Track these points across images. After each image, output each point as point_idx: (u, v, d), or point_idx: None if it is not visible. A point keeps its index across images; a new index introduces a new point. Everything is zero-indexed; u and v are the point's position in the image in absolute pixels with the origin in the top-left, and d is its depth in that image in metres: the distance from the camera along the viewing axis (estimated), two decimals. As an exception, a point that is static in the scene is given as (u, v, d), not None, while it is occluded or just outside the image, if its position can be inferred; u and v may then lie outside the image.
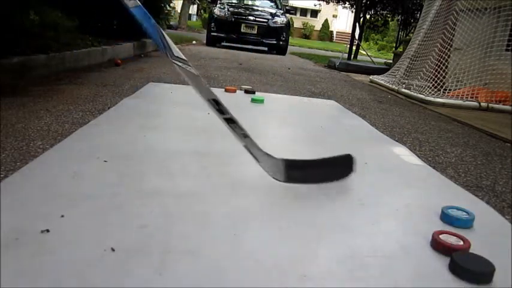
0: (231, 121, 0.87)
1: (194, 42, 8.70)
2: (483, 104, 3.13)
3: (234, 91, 2.14)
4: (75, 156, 0.98)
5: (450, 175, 1.30)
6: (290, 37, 10.15)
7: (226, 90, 2.14)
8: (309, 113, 1.98)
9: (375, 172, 1.09)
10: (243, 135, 0.88)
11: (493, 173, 1.40)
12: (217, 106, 0.86)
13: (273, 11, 8.51)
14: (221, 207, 0.77)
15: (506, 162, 1.58)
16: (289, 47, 8.89)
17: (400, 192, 0.98)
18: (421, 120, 2.37)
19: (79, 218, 0.67)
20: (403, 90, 3.54)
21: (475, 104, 3.13)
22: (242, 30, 7.95)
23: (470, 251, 0.67)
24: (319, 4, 14.17)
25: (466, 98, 3.20)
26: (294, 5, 20.01)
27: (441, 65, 3.53)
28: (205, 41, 8.52)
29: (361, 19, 9.01)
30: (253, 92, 2.14)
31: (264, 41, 8.05)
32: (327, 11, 26.29)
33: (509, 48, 3.37)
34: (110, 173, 0.88)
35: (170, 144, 1.16)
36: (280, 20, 8.22)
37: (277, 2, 9.05)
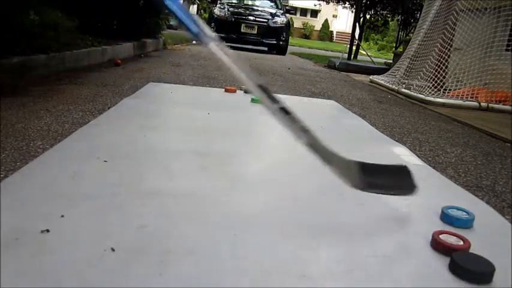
0: (285, 111, 0.71)
1: (194, 42, 8.69)
2: (483, 104, 3.13)
3: (234, 91, 2.14)
4: (75, 156, 0.98)
5: (450, 175, 1.30)
6: (290, 37, 10.15)
7: (226, 90, 2.14)
8: (309, 113, 1.98)
9: (375, 172, 1.09)
10: (301, 128, 0.71)
11: (493, 173, 1.40)
12: (267, 93, 0.71)
13: (273, 11, 8.50)
14: (221, 207, 0.78)
15: (506, 162, 1.58)
16: (289, 47, 8.89)
17: (400, 192, 0.98)
18: (421, 120, 2.36)
19: (79, 218, 0.67)
20: (403, 90, 3.54)
21: (475, 104, 3.13)
22: (242, 30, 7.95)
23: (470, 251, 0.67)
24: (319, 4, 14.16)
25: (466, 98, 3.19)
26: (294, 5, 19.98)
27: (441, 65, 3.52)
28: (205, 41, 8.52)
29: (361, 19, 9.01)
30: (253, 92, 2.13)
31: (264, 41, 8.04)
32: (327, 11, 26.27)
33: (509, 48, 3.36)
34: (110, 173, 0.88)
35: (170, 144, 1.16)
36: (280, 20, 8.21)
37: (277, 2, 9.04)
